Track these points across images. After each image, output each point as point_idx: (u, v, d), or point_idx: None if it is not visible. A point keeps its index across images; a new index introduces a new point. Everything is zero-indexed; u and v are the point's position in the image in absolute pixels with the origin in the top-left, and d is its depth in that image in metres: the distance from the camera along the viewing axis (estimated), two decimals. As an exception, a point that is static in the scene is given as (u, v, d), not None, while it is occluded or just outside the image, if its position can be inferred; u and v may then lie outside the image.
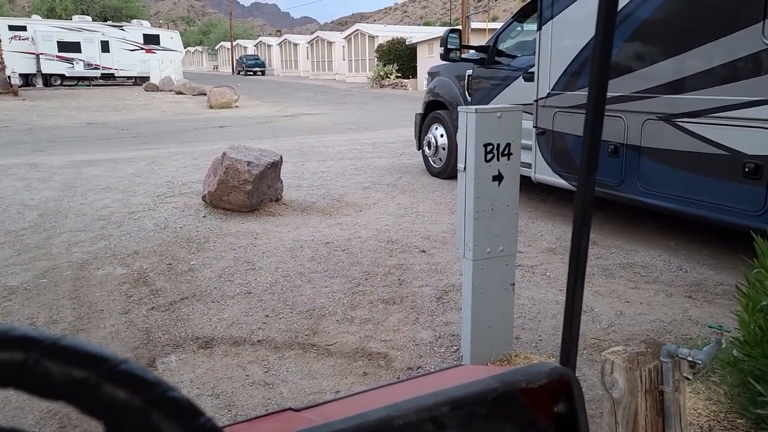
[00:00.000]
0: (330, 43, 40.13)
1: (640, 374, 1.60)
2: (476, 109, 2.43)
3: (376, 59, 31.31)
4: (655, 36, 4.04)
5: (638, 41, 4.16)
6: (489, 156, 2.47)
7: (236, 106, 18.33)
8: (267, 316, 3.27)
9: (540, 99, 5.03)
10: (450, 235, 4.66)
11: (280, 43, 50.53)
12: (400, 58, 30.01)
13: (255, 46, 56.14)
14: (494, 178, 2.50)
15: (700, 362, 1.50)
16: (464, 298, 2.67)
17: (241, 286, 3.72)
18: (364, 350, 2.86)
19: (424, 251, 4.33)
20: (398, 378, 2.60)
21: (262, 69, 48.44)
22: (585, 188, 0.86)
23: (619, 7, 4.03)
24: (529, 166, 5.19)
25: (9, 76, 23.52)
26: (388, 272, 3.90)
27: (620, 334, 2.94)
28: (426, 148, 7.15)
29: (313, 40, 42.90)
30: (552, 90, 4.90)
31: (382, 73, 29.95)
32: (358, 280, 3.78)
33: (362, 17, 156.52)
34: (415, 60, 29.32)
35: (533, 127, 5.09)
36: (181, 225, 5.05)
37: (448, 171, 6.80)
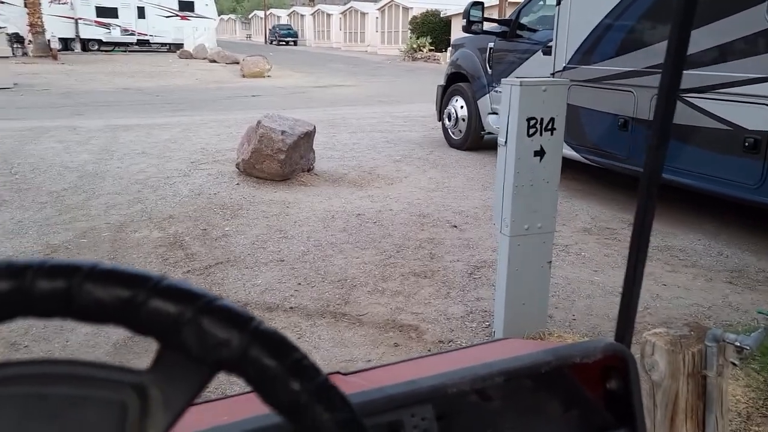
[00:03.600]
0: (363, 14, 39.61)
1: (683, 357, 1.56)
2: (521, 82, 2.37)
3: (409, 31, 30.82)
4: (666, 13, 4.07)
5: (650, 17, 4.26)
6: (531, 130, 2.42)
7: (268, 76, 18.31)
8: (299, 284, 3.30)
9: (556, 72, 5.04)
10: (482, 211, 4.61)
11: (313, 13, 50.10)
12: (433, 31, 29.49)
13: (288, 15, 55.77)
14: (536, 154, 2.45)
15: (747, 348, 1.45)
16: (499, 274, 2.64)
17: (273, 253, 3.75)
18: (395, 322, 2.88)
19: (455, 226, 4.30)
20: (433, 350, 2.60)
21: (295, 39, 48.16)
22: (653, 161, 0.83)
23: None
24: None
25: (49, 40, 23.84)
26: (420, 246, 3.89)
27: (656, 317, 2.89)
28: (446, 120, 7.24)
29: (346, 10, 42.40)
30: (568, 63, 4.93)
31: (414, 46, 29.50)
32: (390, 252, 3.78)
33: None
34: (449, 33, 28.76)
35: None
36: (215, 191, 5.10)
37: (467, 143, 6.90)
